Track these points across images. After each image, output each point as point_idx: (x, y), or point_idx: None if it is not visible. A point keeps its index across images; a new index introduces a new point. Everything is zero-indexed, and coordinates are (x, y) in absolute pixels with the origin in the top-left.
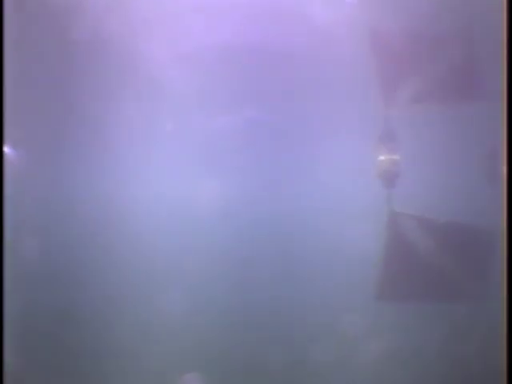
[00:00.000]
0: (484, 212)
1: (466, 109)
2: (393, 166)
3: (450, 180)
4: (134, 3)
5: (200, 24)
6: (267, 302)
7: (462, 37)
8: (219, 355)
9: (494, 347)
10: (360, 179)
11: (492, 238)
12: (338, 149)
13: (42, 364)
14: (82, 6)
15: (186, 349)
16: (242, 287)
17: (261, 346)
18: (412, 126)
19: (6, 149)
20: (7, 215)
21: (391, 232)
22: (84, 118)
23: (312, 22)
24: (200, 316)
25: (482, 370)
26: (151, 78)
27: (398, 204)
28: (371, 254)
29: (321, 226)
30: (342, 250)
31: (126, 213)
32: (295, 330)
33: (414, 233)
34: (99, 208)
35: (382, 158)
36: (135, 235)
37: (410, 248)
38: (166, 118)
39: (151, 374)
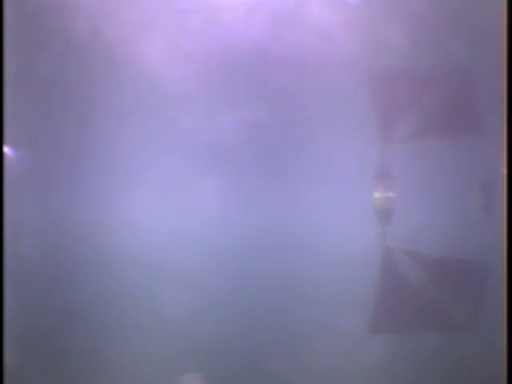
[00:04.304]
0: (479, 246)
1: (461, 144)
2: (388, 203)
3: (445, 215)
4: (134, 4)
5: (200, 25)
6: (267, 304)
7: (458, 73)
8: (219, 357)
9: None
10: (356, 215)
11: (487, 272)
12: (334, 185)
13: (42, 364)
14: (82, 7)
15: (187, 350)
16: (242, 288)
17: (261, 349)
18: (407, 163)
19: (5, 149)
20: (7, 215)
21: (386, 267)
22: (84, 118)
23: (312, 24)
24: (201, 319)
25: None
26: (151, 79)
27: (393, 239)
28: (366, 289)
29: (316, 261)
30: (338, 287)
31: (125, 213)
32: (295, 333)
33: (408, 267)
34: (99, 208)
35: (377, 195)
36: (135, 236)
37: (404, 282)
38: (166, 118)
39: (151, 374)
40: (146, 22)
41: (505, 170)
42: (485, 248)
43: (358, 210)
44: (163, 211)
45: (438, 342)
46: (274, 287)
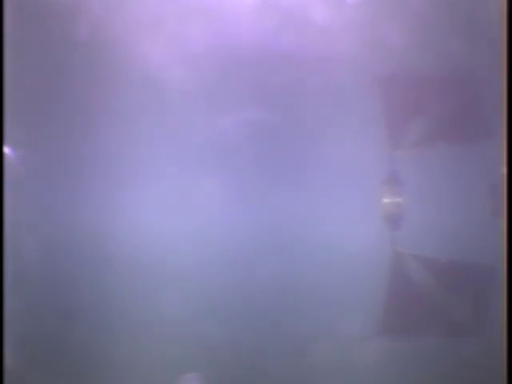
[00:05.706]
0: (486, 251)
1: (468, 149)
2: (397, 208)
3: (452, 219)
4: (134, 4)
5: (202, 25)
6: (271, 305)
7: (464, 78)
8: (221, 358)
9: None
10: (365, 220)
11: (494, 276)
12: (343, 191)
13: (42, 364)
14: (82, 7)
15: (189, 351)
16: (245, 289)
17: (264, 350)
18: (416, 168)
19: (5, 149)
20: (7, 215)
21: (394, 271)
22: (85, 118)
23: (312, 24)
24: (203, 319)
25: None
26: (153, 79)
27: (402, 244)
28: (374, 293)
29: (326, 265)
30: (344, 290)
31: (127, 213)
32: (299, 335)
33: (416, 272)
34: (100, 208)
35: (386, 200)
36: (136, 237)
37: (413, 287)
38: (168, 118)
39: (153, 375)
40: (149, 22)
41: (505, 170)
42: (494, 252)
43: (365, 214)
44: (165, 212)
45: (445, 345)
46: (278, 289)
